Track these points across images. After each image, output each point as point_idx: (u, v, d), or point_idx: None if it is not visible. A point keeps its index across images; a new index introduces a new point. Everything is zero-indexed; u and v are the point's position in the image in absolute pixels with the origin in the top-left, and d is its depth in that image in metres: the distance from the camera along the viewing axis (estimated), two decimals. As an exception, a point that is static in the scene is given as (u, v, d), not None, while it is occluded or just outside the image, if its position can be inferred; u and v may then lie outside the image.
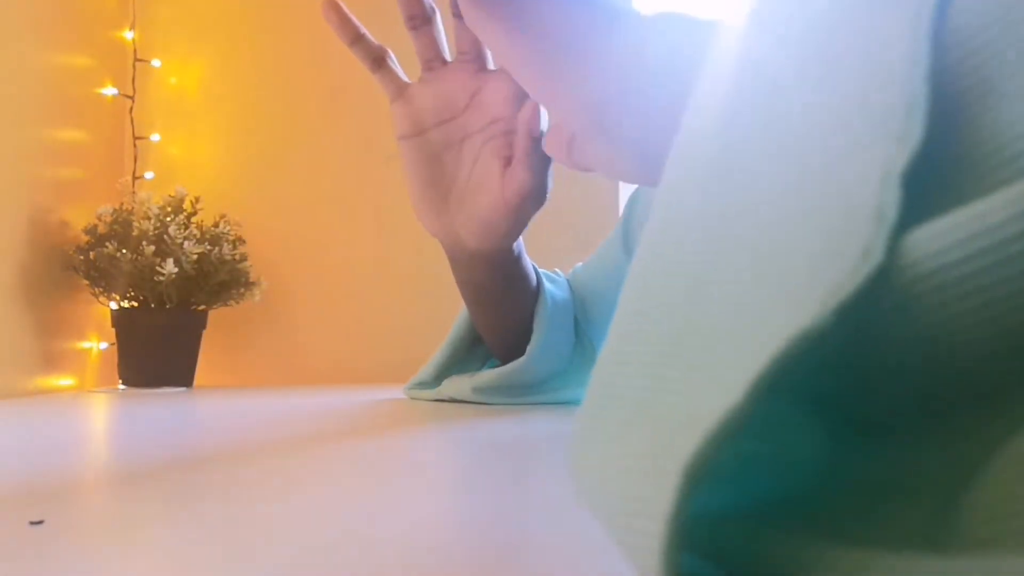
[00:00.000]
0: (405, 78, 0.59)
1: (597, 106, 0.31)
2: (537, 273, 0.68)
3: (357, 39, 0.58)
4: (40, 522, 0.25)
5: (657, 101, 0.30)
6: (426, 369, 0.74)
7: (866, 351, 0.13)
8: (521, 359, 0.66)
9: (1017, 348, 0.11)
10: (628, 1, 0.37)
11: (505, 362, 0.68)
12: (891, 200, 0.12)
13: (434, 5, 0.57)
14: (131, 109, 1.21)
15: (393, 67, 0.59)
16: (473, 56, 0.58)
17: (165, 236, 0.99)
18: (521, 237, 0.62)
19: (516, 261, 0.64)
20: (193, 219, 1.04)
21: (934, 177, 0.13)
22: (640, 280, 0.16)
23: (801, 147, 0.14)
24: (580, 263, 0.78)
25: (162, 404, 0.76)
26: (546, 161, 0.54)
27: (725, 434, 0.11)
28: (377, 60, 0.58)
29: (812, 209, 0.13)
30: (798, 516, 0.13)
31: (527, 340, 0.66)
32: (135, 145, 1.21)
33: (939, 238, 0.11)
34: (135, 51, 1.22)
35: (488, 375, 0.67)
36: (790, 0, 0.17)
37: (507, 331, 0.68)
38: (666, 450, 0.12)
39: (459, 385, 0.69)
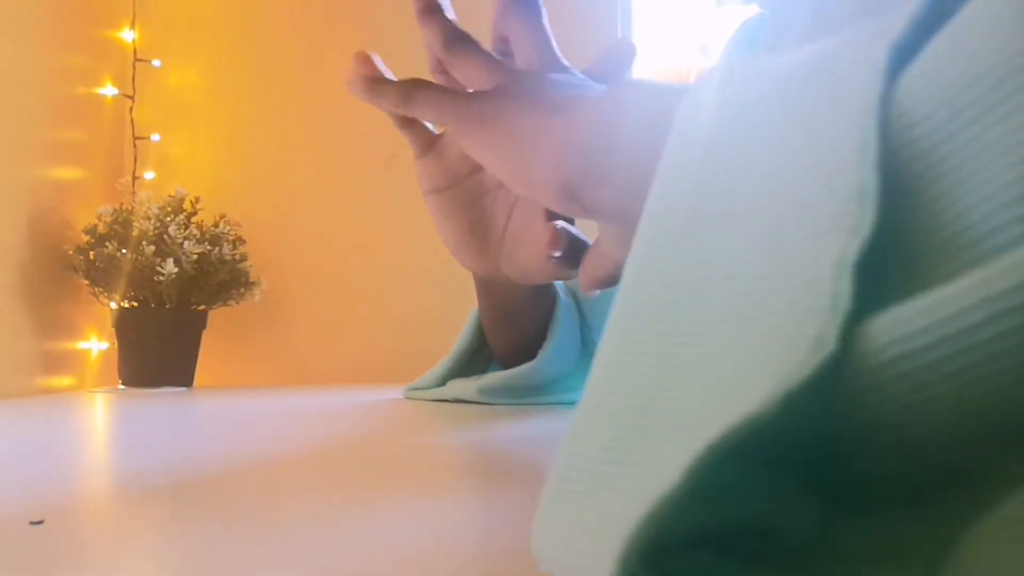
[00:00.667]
0: (434, 129, 0.55)
1: (569, 185, 0.32)
2: None
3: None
4: (40, 522, 0.25)
5: (625, 170, 0.30)
6: (426, 378, 0.75)
7: (833, 433, 0.13)
8: (531, 363, 0.66)
9: (983, 434, 0.12)
10: (593, 83, 0.37)
11: (509, 367, 0.68)
12: (844, 290, 0.12)
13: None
14: (131, 109, 1.21)
15: (423, 122, 0.55)
16: None
17: (165, 236, 0.99)
18: None
19: None
20: (193, 219, 1.04)
21: (891, 262, 0.13)
22: (608, 356, 0.16)
23: (761, 234, 0.14)
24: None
25: (162, 404, 0.76)
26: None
27: (655, 526, 0.12)
28: (407, 119, 0.54)
29: (770, 297, 0.13)
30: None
31: (537, 346, 0.66)
32: (135, 145, 1.21)
33: (902, 325, 0.12)
34: (135, 51, 1.22)
35: (495, 377, 0.67)
36: (749, 84, 0.18)
37: (522, 341, 0.68)
38: (602, 550, 0.12)
39: (464, 386, 0.69)
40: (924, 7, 0.15)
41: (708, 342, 0.14)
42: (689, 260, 0.16)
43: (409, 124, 0.54)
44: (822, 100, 0.15)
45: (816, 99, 0.15)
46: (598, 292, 0.43)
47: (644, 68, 1.28)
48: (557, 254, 0.44)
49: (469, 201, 0.51)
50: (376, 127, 1.29)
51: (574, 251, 0.44)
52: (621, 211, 0.31)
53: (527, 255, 0.49)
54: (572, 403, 0.68)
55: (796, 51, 0.17)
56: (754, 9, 0.39)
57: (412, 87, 0.40)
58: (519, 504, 0.28)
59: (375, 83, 0.41)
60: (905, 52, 0.14)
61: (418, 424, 0.59)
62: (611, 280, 0.42)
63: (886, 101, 0.14)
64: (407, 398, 0.77)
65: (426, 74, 1.36)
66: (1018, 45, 0.12)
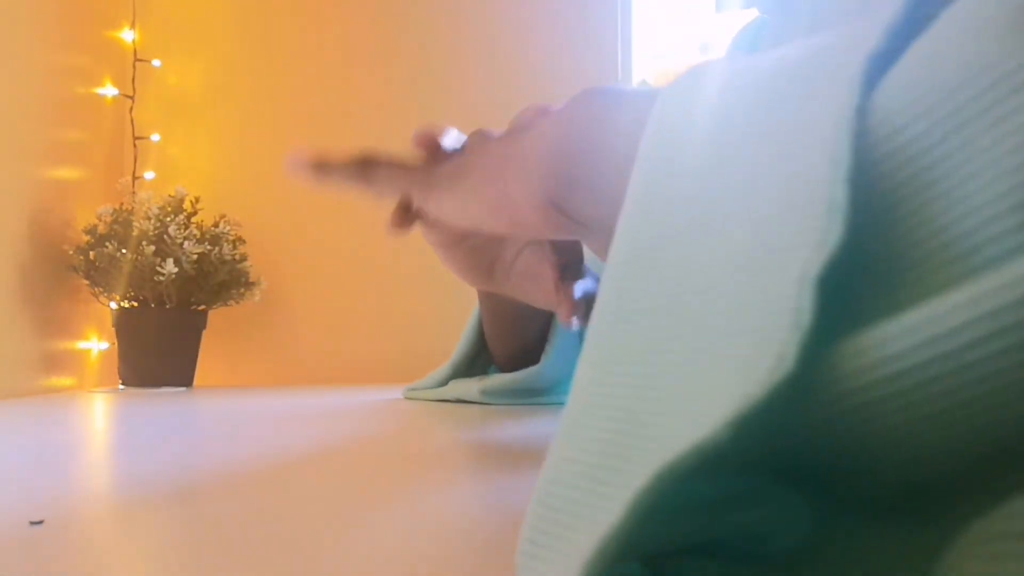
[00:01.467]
0: None
1: (551, 194, 0.30)
2: None
3: None
4: (40, 522, 0.25)
5: (600, 172, 0.28)
6: (426, 381, 0.75)
7: (814, 447, 0.13)
8: (535, 368, 0.66)
9: (972, 450, 0.11)
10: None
11: (508, 370, 0.69)
12: (806, 306, 0.12)
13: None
14: (131, 109, 1.21)
15: None
16: None
17: (165, 236, 0.99)
18: None
19: None
20: (193, 219, 1.04)
21: (870, 276, 0.12)
22: (585, 379, 0.16)
23: (733, 249, 0.14)
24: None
25: (162, 404, 0.76)
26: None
27: (612, 552, 0.12)
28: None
29: (738, 315, 0.13)
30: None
31: (536, 349, 0.67)
32: (135, 145, 1.21)
33: (892, 343, 0.11)
34: (135, 51, 1.22)
35: (499, 379, 0.68)
36: (724, 94, 0.17)
37: (523, 346, 0.68)
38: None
39: (466, 386, 0.70)
40: (901, 15, 0.14)
41: (680, 364, 0.14)
42: (665, 276, 0.15)
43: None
44: (797, 112, 0.15)
45: (791, 111, 0.15)
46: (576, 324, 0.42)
47: (644, 68, 1.28)
48: (576, 324, 0.42)
49: (477, 249, 0.48)
50: (376, 127, 1.29)
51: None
52: (601, 218, 0.30)
53: (535, 295, 0.47)
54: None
55: (773, 56, 0.17)
56: (753, 13, 0.39)
57: (365, 164, 0.38)
58: (518, 504, 0.28)
59: (323, 165, 0.40)
60: (882, 61, 0.14)
61: (418, 424, 0.59)
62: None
63: (863, 112, 0.13)
64: (407, 398, 0.77)
65: (429, 79, 1.36)
66: (997, 54, 0.12)
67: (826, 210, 0.12)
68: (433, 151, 0.40)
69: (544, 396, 0.68)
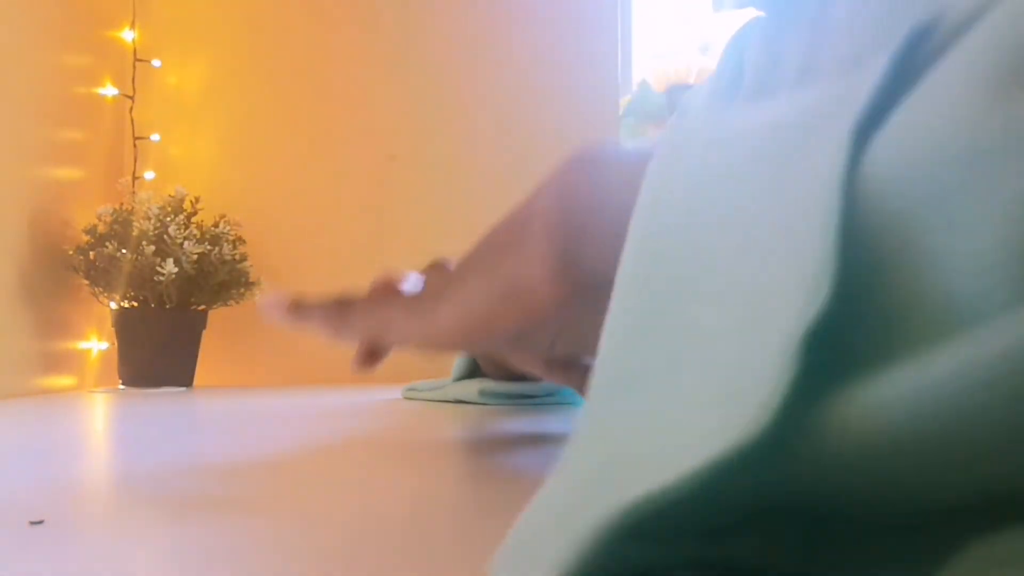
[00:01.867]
0: None
1: (561, 253, 0.29)
2: None
3: None
4: (40, 522, 0.25)
5: (602, 226, 0.28)
6: (425, 384, 0.75)
7: (798, 497, 0.13)
8: (535, 384, 0.66)
9: (960, 497, 0.12)
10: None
11: (506, 379, 0.69)
12: (790, 364, 0.12)
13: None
14: (131, 109, 1.21)
15: None
16: None
17: (165, 236, 0.99)
18: None
19: None
20: (193, 219, 1.04)
21: (855, 337, 0.13)
22: (595, 403, 0.17)
23: (719, 307, 0.15)
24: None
25: (162, 404, 0.76)
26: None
27: None
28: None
29: (724, 374, 0.13)
30: None
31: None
32: (135, 145, 1.21)
33: (882, 394, 0.12)
34: (135, 51, 1.22)
35: (497, 383, 0.68)
36: (712, 153, 0.18)
37: (518, 371, 0.68)
38: None
39: (466, 387, 0.70)
40: (889, 72, 0.14)
41: (665, 418, 0.14)
42: (660, 338, 0.16)
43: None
44: (788, 177, 0.15)
45: (782, 175, 0.15)
46: None
47: (644, 68, 1.28)
48: None
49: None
50: (376, 127, 1.29)
51: None
52: (611, 272, 0.28)
53: (528, 367, 0.44)
54: (572, 403, 0.69)
55: (764, 114, 0.17)
56: (750, 12, 0.39)
57: (342, 303, 0.38)
58: (518, 497, 0.28)
59: (299, 307, 0.39)
60: (870, 122, 0.14)
61: (418, 423, 0.59)
62: None
63: (852, 178, 0.14)
64: (406, 398, 0.77)
65: (429, 78, 1.37)
66: (982, 116, 0.12)
67: (815, 275, 0.13)
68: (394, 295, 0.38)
69: (542, 397, 0.69)
